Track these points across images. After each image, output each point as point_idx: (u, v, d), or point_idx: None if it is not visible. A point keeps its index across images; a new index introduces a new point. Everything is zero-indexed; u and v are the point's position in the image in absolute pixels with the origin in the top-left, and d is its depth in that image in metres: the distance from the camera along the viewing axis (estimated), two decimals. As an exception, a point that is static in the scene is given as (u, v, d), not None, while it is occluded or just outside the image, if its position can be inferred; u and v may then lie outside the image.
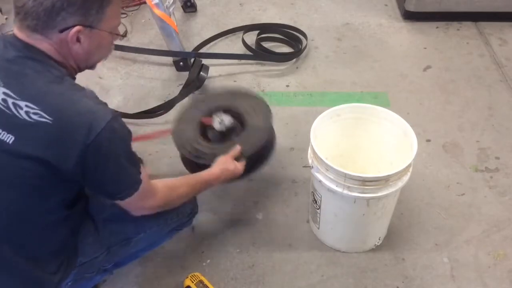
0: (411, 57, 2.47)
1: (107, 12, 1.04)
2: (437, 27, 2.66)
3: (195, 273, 1.51)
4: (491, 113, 2.13)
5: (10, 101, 0.97)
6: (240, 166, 1.47)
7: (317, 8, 2.87)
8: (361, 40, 2.60)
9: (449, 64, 2.41)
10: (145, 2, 2.46)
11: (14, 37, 1.03)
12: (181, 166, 1.92)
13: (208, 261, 1.61)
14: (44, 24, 0.99)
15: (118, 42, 2.49)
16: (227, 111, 1.61)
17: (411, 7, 2.64)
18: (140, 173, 1.12)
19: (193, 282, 1.47)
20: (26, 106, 0.97)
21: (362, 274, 1.56)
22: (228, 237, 1.67)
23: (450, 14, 2.64)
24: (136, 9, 2.87)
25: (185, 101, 2.09)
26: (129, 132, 1.09)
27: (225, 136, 1.58)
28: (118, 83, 2.36)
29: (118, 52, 2.46)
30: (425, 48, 2.53)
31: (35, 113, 0.96)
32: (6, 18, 2.73)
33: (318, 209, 1.54)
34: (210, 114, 1.61)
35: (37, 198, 1.04)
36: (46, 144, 0.97)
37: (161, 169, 1.91)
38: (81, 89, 1.04)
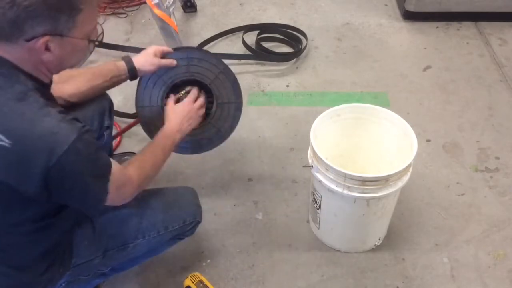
0: (411, 57, 2.47)
1: (78, 19, 0.98)
2: (437, 27, 2.66)
3: (195, 273, 1.51)
4: (491, 113, 2.13)
5: None
6: (197, 103, 1.44)
7: (317, 8, 2.87)
8: (361, 40, 2.60)
9: (449, 64, 2.41)
10: (145, 2, 2.47)
11: None
12: (181, 166, 1.93)
13: (208, 261, 1.61)
14: (9, 34, 0.94)
15: (119, 42, 2.51)
16: (191, 83, 1.52)
17: (411, 7, 2.64)
18: (108, 175, 1.06)
19: (193, 282, 1.47)
20: None
21: (362, 274, 1.56)
22: (228, 237, 1.67)
23: (450, 14, 2.64)
24: (136, 9, 2.88)
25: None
26: (96, 148, 1.03)
27: None
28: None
29: (118, 52, 2.46)
30: (425, 48, 2.53)
31: None
32: None
33: (318, 209, 1.54)
34: (174, 90, 1.52)
35: (6, 213, 1.02)
36: (5, 167, 0.94)
37: (161, 168, 1.91)
38: (45, 106, 0.97)
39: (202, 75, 1.51)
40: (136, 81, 1.51)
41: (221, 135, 1.59)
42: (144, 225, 1.28)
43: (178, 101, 1.48)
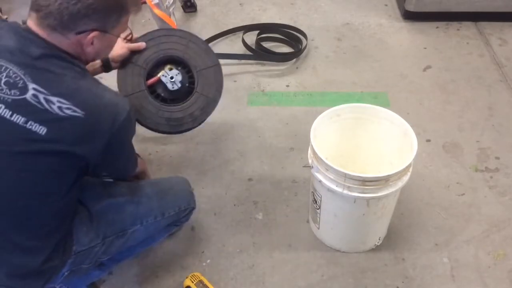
0: (411, 57, 2.47)
1: (123, 20, 1.15)
2: (437, 27, 2.66)
3: (195, 273, 1.51)
4: (491, 113, 2.13)
5: (41, 96, 1.03)
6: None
7: (317, 8, 2.87)
8: (361, 40, 2.60)
9: (449, 64, 2.41)
10: (145, 2, 2.46)
11: (32, 33, 1.07)
12: (181, 166, 1.93)
13: (208, 261, 1.61)
14: (65, 26, 1.06)
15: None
16: (167, 62, 1.57)
17: (411, 7, 2.64)
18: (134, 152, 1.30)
19: (193, 282, 1.47)
20: (58, 101, 1.03)
21: (362, 274, 1.56)
22: (228, 237, 1.67)
23: (450, 14, 2.64)
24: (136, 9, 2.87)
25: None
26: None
27: (181, 89, 1.57)
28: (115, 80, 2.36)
29: (118, 52, 2.46)
30: (425, 48, 2.53)
31: (67, 108, 1.04)
32: (6, 18, 2.72)
33: (318, 209, 1.54)
34: (150, 70, 1.55)
35: (45, 181, 1.09)
36: (78, 136, 1.06)
37: (161, 168, 1.91)
38: (100, 83, 1.15)
39: (173, 50, 1.56)
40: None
41: (211, 100, 1.61)
42: (141, 211, 1.32)
43: (160, 81, 1.55)
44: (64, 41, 1.09)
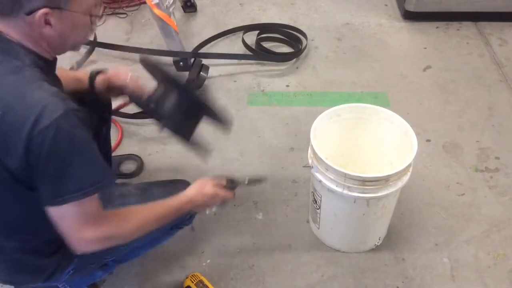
0: (411, 57, 2.47)
1: None
2: (437, 27, 2.66)
3: (195, 273, 1.51)
4: (491, 113, 2.13)
5: None
6: (225, 195, 1.35)
7: (317, 8, 2.87)
8: (361, 40, 2.60)
9: (449, 64, 2.41)
10: (145, 2, 2.46)
11: None
12: (181, 166, 1.93)
13: (208, 261, 1.61)
14: (9, 8, 0.96)
15: (119, 42, 2.51)
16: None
17: (411, 7, 2.64)
18: (90, 186, 0.99)
19: (193, 282, 1.47)
20: None
21: (362, 274, 1.56)
22: (228, 237, 1.67)
23: (450, 14, 2.64)
24: (136, 9, 2.88)
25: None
26: (85, 135, 0.98)
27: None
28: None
29: (118, 52, 2.46)
30: (425, 48, 2.53)
31: None
32: None
33: (318, 209, 1.54)
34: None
35: (6, 190, 1.02)
36: None
37: (161, 168, 1.91)
38: (40, 80, 0.97)
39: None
40: None
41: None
42: None
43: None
44: (13, 27, 0.98)
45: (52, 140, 0.93)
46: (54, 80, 1.09)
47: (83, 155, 0.99)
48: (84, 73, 1.43)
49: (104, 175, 1.02)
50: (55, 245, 1.15)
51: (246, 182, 1.44)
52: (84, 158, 0.99)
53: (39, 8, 0.95)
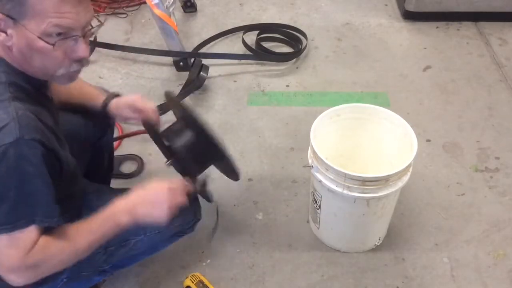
0: (411, 57, 2.47)
1: (31, 5, 0.86)
2: (437, 27, 2.66)
3: (195, 273, 1.51)
4: (491, 113, 2.13)
5: None
6: (179, 189, 1.17)
7: (317, 8, 2.87)
8: (361, 40, 2.60)
9: (449, 64, 2.41)
10: (145, 2, 2.46)
11: None
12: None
13: (208, 261, 1.61)
14: None
15: (119, 42, 2.51)
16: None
17: (411, 7, 2.64)
18: (23, 219, 0.93)
19: (193, 282, 1.47)
20: None
21: (362, 274, 1.56)
22: (228, 237, 1.67)
23: (450, 14, 2.64)
24: (136, 9, 2.88)
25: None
26: (28, 165, 0.90)
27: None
28: (118, 83, 2.36)
29: (118, 52, 2.46)
30: (425, 48, 2.53)
31: None
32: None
33: (318, 209, 1.54)
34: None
35: None
36: None
37: (162, 168, 1.91)
38: (8, 100, 0.90)
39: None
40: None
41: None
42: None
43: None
44: None
45: (4, 168, 0.87)
46: (39, 100, 1.02)
47: (22, 189, 0.91)
48: (99, 92, 1.39)
49: (43, 213, 0.95)
50: None
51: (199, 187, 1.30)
52: (22, 191, 0.91)
53: None
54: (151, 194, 1.13)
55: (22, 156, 0.89)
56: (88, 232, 1.05)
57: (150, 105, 1.38)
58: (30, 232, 0.95)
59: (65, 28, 0.92)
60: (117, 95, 1.41)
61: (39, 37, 0.90)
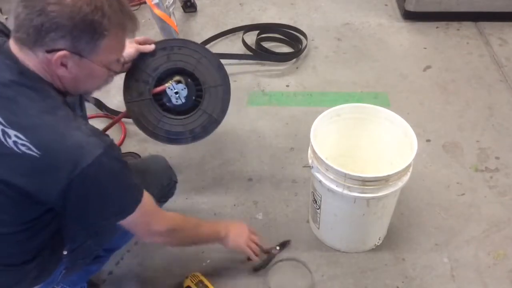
0: (411, 57, 2.47)
1: (101, 45, 1.00)
2: (437, 27, 2.66)
3: (195, 273, 1.51)
4: (491, 113, 2.13)
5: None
6: (253, 251, 1.48)
7: (317, 8, 2.87)
8: (361, 40, 2.60)
9: (449, 64, 2.41)
10: (145, 2, 2.46)
11: (9, 52, 1.01)
12: (181, 166, 1.93)
13: (208, 261, 1.61)
14: (33, 40, 0.97)
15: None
16: (176, 73, 1.51)
17: (411, 7, 2.64)
18: (135, 200, 1.09)
19: (193, 282, 1.47)
20: (15, 136, 0.95)
21: (362, 274, 1.56)
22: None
23: (450, 14, 2.64)
24: (136, 9, 2.87)
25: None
26: (122, 164, 1.05)
27: (185, 104, 1.53)
28: (118, 83, 2.34)
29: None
30: (425, 48, 2.53)
31: (23, 145, 0.94)
32: (6, 18, 2.72)
33: (318, 209, 1.54)
34: (158, 79, 1.51)
35: (3, 213, 1.03)
36: (30, 175, 0.97)
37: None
38: (75, 120, 1.01)
39: (184, 62, 1.51)
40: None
41: (214, 119, 1.56)
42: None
43: (164, 92, 1.50)
44: (34, 60, 1.00)
45: (95, 176, 0.98)
46: (79, 111, 1.20)
47: (124, 181, 1.07)
48: None
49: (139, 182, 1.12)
50: (30, 254, 1.13)
51: (278, 249, 1.61)
52: (125, 183, 1.07)
53: (60, 50, 0.97)
54: (243, 237, 1.47)
55: (113, 158, 1.02)
56: (198, 229, 1.35)
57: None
58: (147, 198, 1.11)
59: (118, 59, 1.12)
60: None
61: (104, 67, 1.06)
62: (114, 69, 1.10)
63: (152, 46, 1.49)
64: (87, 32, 0.97)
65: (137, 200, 1.08)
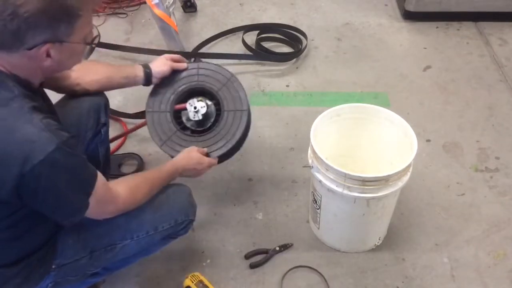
0: (411, 57, 2.47)
1: (77, 25, 1.00)
2: (437, 27, 2.66)
3: (195, 273, 1.51)
4: (491, 113, 2.13)
5: None
6: (209, 161, 1.46)
7: (317, 8, 2.87)
8: (361, 40, 2.60)
9: (449, 64, 2.41)
10: (145, 2, 2.47)
11: None
12: (181, 166, 1.92)
13: (208, 261, 1.61)
14: (11, 45, 0.96)
15: (119, 42, 2.51)
16: (199, 92, 1.56)
17: (411, 7, 2.64)
18: (88, 194, 1.06)
19: (193, 282, 1.47)
20: None
21: (362, 274, 1.56)
22: (228, 237, 1.67)
23: (450, 14, 2.64)
24: (136, 9, 2.87)
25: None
26: (78, 160, 1.03)
27: (203, 122, 1.54)
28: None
29: (118, 52, 2.46)
30: (425, 48, 2.53)
31: None
32: None
33: (318, 209, 1.54)
34: (182, 98, 1.55)
35: None
36: None
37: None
38: (29, 113, 0.96)
39: (210, 84, 1.56)
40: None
41: (234, 143, 1.53)
42: (131, 225, 1.24)
43: (184, 109, 1.53)
44: (11, 59, 0.98)
45: (48, 174, 0.95)
46: (43, 103, 1.10)
47: (81, 176, 1.05)
48: (131, 69, 1.50)
49: (94, 171, 1.09)
50: (23, 260, 1.12)
51: (277, 250, 1.62)
52: (83, 180, 1.05)
53: (42, 43, 0.96)
54: (195, 163, 1.43)
55: (68, 155, 0.98)
56: (151, 182, 1.29)
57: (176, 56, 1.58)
58: (100, 186, 1.08)
59: (92, 28, 1.10)
60: (146, 63, 1.53)
61: (82, 42, 1.05)
62: (89, 40, 1.09)
63: (185, 65, 1.56)
64: (64, 19, 0.97)
65: (89, 194, 1.06)
